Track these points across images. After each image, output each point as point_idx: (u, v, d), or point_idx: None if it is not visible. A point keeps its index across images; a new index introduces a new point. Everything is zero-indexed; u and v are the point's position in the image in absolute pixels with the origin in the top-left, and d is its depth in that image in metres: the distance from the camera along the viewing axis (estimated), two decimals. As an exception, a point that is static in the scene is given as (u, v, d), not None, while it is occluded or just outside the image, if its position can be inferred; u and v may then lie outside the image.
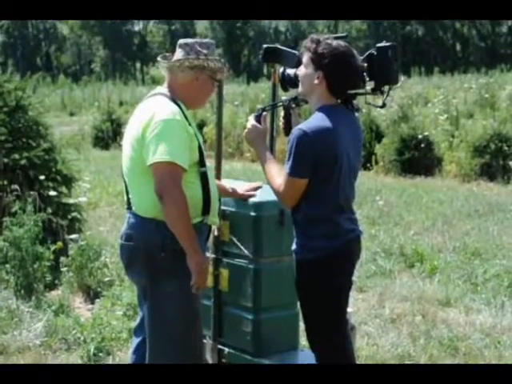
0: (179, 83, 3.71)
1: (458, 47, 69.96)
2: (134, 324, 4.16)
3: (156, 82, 36.32)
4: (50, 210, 6.88)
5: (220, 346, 4.37)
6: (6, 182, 6.91)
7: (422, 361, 5.04)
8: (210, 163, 3.94)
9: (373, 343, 5.35)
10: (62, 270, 6.49)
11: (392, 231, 8.66)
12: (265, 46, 4.10)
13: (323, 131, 3.41)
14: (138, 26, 78.30)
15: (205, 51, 3.68)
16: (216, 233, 4.28)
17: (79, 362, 5.03)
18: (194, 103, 3.82)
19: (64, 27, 77.63)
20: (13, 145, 7.13)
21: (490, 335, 5.51)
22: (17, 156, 7.03)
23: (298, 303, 3.72)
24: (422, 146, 13.68)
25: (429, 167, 13.66)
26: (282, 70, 3.90)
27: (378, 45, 3.62)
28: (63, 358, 5.09)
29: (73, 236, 6.64)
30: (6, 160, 6.97)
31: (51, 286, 6.38)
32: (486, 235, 8.47)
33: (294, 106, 3.81)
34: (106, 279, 6.44)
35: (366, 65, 3.55)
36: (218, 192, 3.87)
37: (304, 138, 3.39)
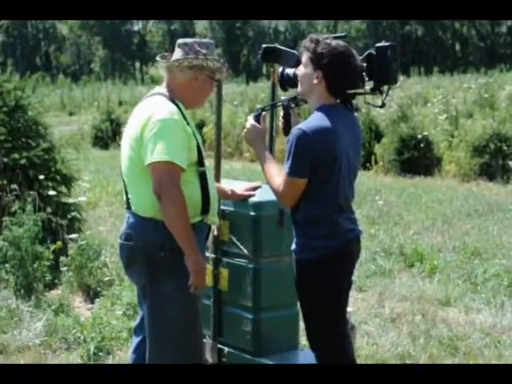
0: (178, 83, 3.71)
1: (458, 47, 69.95)
2: (133, 323, 4.17)
3: (155, 81, 36.31)
4: (49, 210, 6.89)
5: (220, 346, 4.37)
6: (5, 182, 6.91)
7: (422, 360, 5.04)
8: (210, 163, 3.95)
9: (373, 343, 5.35)
10: (61, 269, 6.49)
11: (392, 231, 8.66)
12: (264, 45, 4.10)
13: (322, 131, 3.41)
14: (137, 25, 78.34)
15: (204, 51, 3.68)
16: (216, 232, 4.28)
17: (79, 361, 5.03)
18: (193, 103, 3.82)
19: (63, 27, 77.63)
20: (12, 144, 7.12)
21: (490, 335, 5.52)
22: (16, 156, 7.03)
23: (298, 303, 3.73)
24: (422, 145, 13.68)
25: (428, 167, 13.66)
26: (281, 69, 3.90)
27: (378, 45, 3.62)
28: (63, 358, 5.09)
29: (72, 236, 6.64)
30: (5, 160, 6.97)
31: (51, 286, 6.38)
32: (486, 235, 8.48)
33: (293, 105, 3.81)
34: (106, 279, 6.44)
35: (365, 65, 3.55)
36: (218, 192, 3.88)
37: (303, 138, 3.39)
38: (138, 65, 76.80)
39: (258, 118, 3.75)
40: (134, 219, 3.67)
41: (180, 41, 3.76)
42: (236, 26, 71.36)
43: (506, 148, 12.93)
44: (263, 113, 3.78)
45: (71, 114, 30.32)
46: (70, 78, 53.05)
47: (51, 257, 6.20)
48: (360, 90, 3.60)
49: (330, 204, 3.49)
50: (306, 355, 4.19)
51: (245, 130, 3.76)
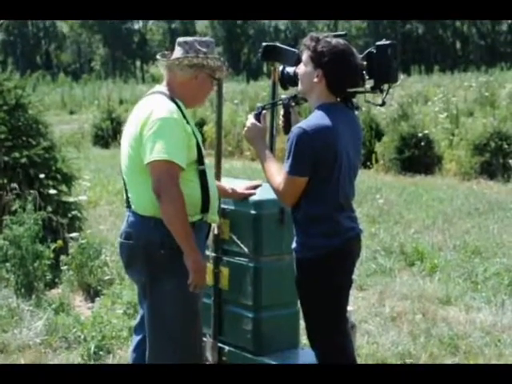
0: (178, 81, 3.71)
1: (458, 45, 69.91)
2: (134, 322, 4.17)
3: (156, 80, 36.29)
4: (50, 209, 6.89)
5: (220, 345, 4.37)
6: (5, 181, 6.91)
7: (423, 359, 5.04)
8: (210, 161, 3.94)
9: (373, 341, 5.35)
10: (62, 268, 6.49)
11: (392, 229, 8.66)
12: (264, 44, 4.09)
13: (323, 129, 3.41)
14: (137, 24, 78.28)
15: (204, 49, 3.68)
16: (216, 231, 4.28)
17: (80, 360, 5.03)
18: (193, 101, 3.82)
19: (64, 25, 77.57)
20: (13, 143, 7.13)
21: (491, 333, 5.51)
22: (17, 154, 7.03)
23: (299, 301, 3.73)
24: (422, 144, 13.68)
25: (429, 165, 13.66)
26: (281, 68, 3.89)
27: (378, 43, 3.61)
28: (63, 357, 5.09)
29: (73, 234, 6.64)
30: (5, 158, 6.97)
31: (51, 285, 6.38)
32: (486, 233, 8.48)
33: (293, 104, 3.80)
34: (106, 278, 6.44)
35: (365, 63, 3.55)
36: (218, 191, 3.87)
37: (304, 137, 3.39)
38: (138, 63, 76.78)
39: (258, 117, 3.74)
40: (133, 218, 3.67)
41: (180, 39, 3.75)
42: (237, 25, 71.33)
43: (506, 146, 12.92)
44: (263, 111, 3.77)
45: (72, 112, 30.31)
46: (71, 77, 53.05)
47: (52, 256, 6.20)
48: (360, 89, 3.59)
49: (330, 202, 3.49)
50: (306, 354, 4.18)
51: (245, 129, 3.76)
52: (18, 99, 7.29)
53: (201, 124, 16.92)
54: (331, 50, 3.44)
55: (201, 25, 73.47)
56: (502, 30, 66.77)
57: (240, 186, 4.21)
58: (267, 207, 4.17)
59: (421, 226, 8.91)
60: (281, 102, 3.86)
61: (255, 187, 4.19)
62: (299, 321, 4.30)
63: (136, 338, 3.91)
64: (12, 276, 6.07)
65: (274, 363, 4.09)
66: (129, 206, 3.72)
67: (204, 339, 4.17)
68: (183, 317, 3.65)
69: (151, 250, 3.59)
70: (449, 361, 5.04)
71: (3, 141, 7.07)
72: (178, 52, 3.71)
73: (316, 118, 3.46)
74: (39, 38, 78.20)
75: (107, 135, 19.63)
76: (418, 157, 13.64)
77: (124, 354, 4.99)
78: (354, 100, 3.61)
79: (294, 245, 3.59)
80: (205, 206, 3.69)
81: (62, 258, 6.50)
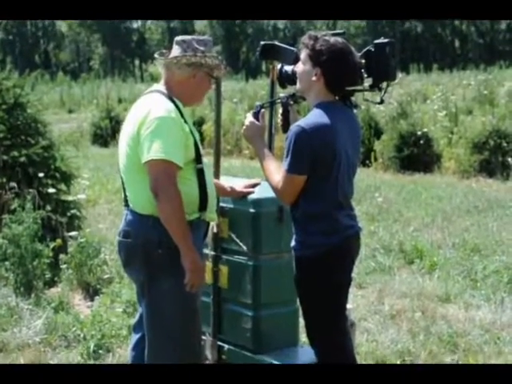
0: (176, 80, 3.71)
1: (457, 44, 69.93)
2: (133, 321, 4.17)
3: (155, 79, 36.27)
4: (49, 208, 6.88)
5: (220, 343, 4.37)
6: (4, 180, 6.91)
7: (422, 357, 5.04)
8: (209, 160, 3.95)
9: (372, 339, 5.35)
10: (61, 267, 6.49)
11: (391, 228, 8.66)
12: (262, 42, 4.09)
13: (321, 128, 3.41)
14: (136, 23, 78.29)
15: (202, 48, 3.67)
16: (215, 229, 4.28)
17: (79, 359, 5.03)
18: (191, 100, 3.82)
19: (62, 25, 77.56)
20: (11, 142, 7.12)
21: (490, 331, 5.52)
22: (16, 153, 7.02)
23: (298, 300, 3.73)
24: (421, 142, 13.68)
25: (428, 164, 13.66)
26: (279, 66, 3.89)
27: (376, 41, 3.61)
28: (63, 356, 5.09)
29: (72, 233, 6.64)
30: (4, 157, 6.96)
31: (51, 284, 6.38)
32: (486, 231, 8.48)
33: (292, 102, 3.81)
34: (106, 276, 6.44)
35: (363, 61, 3.55)
36: (216, 189, 3.87)
37: (302, 135, 3.39)
38: (137, 62, 76.80)
39: (257, 115, 3.75)
40: (132, 216, 3.67)
41: (178, 38, 3.75)
42: (235, 24, 71.31)
43: (505, 145, 12.92)
44: (262, 110, 3.78)
45: (70, 111, 30.28)
46: (69, 76, 53.00)
47: (51, 254, 6.20)
48: (359, 87, 3.59)
49: (329, 201, 3.49)
50: (305, 352, 4.19)
51: (244, 127, 3.76)
52: (16, 98, 7.28)
53: (200, 123, 16.92)
54: (329, 48, 3.44)
55: (199, 24, 73.44)
56: (501, 29, 66.79)
57: (239, 184, 4.21)
58: (266, 205, 4.17)
59: (420, 224, 8.91)
60: (279, 101, 3.86)
61: (254, 185, 4.19)
62: (298, 319, 4.30)
63: (135, 337, 3.91)
64: (11, 275, 6.07)
65: (274, 361, 4.10)
66: (127, 205, 3.72)
67: (203, 338, 4.17)
68: (182, 315, 3.65)
69: (149, 248, 3.59)
70: (448, 359, 5.05)
71: (2, 140, 7.07)
72: (176, 51, 3.71)
73: (315, 117, 3.46)
74: (38, 37, 78.18)
75: (106, 134, 19.62)
76: (417, 155, 13.64)
77: (123, 353, 4.99)
78: (353, 98, 3.61)
79: (292, 243, 3.59)
80: (202, 205, 3.69)
81: (61, 256, 6.50)
